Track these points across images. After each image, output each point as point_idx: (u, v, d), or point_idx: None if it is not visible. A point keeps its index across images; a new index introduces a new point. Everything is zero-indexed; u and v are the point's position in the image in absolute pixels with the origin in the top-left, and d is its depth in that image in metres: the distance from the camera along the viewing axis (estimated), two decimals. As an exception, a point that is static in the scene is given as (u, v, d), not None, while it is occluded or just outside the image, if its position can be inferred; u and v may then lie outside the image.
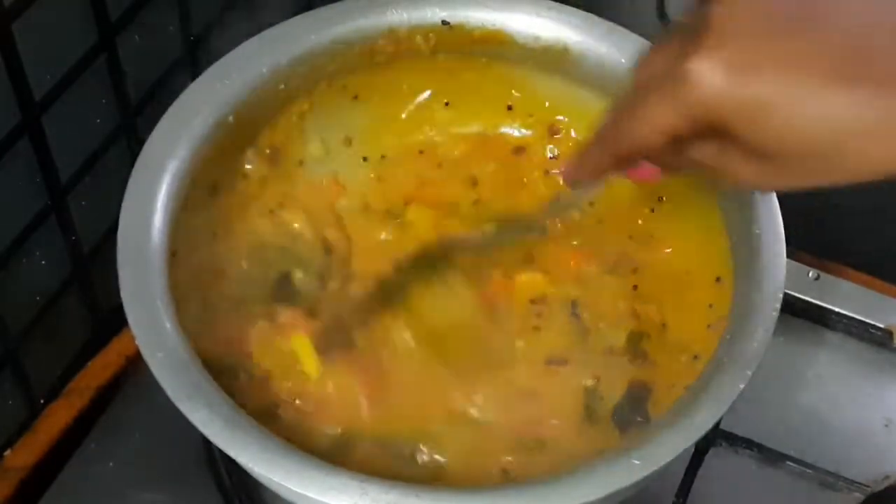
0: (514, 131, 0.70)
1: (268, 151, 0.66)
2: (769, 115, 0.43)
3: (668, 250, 0.66)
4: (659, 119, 0.46)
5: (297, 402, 0.59)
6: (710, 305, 0.61)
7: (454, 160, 0.70)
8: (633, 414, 0.60)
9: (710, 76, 0.43)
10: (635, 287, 0.65)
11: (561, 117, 0.69)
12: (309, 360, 0.60)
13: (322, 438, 0.58)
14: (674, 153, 0.49)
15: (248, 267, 0.63)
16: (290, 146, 0.67)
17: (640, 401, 0.60)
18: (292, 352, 0.61)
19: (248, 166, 0.65)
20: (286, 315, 0.62)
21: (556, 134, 0.70)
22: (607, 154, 0.51)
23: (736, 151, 0.46)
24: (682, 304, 0.63)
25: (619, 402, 0.61)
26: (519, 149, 0.70)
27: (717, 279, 0.62)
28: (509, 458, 0.59)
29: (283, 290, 0.63)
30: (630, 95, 0.49)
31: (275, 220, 0.65)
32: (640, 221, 0.67)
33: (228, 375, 0.59)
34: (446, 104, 0.70)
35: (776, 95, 0.43)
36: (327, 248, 0.66)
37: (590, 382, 0.61)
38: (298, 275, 0.64)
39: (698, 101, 0.44)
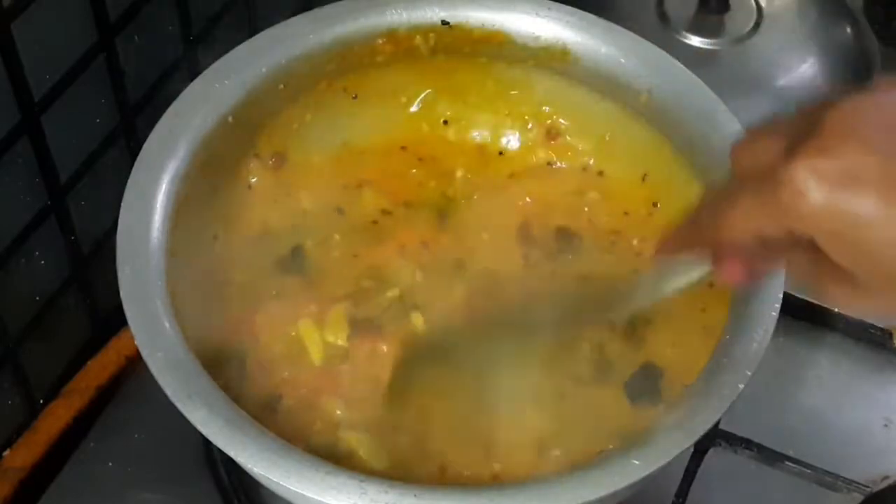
0: (511, 136, 0.70)
1: (271, 162, 0.66)
2: (866, 237, 0.41)
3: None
4: (752, 221, 0.44)
5: (302, 389, 0.59)
6: (703, 309, 0.61)
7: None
8: (646, 389, 0.60)
9: (813, 187, 0.40)
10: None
11: (560, 119, 0.69)
12: (314, 347, 0.60)
13: (323, 429, 0.58)
14: (764, 256, 0.47)
15: (254, 253, 0.63)
16: (290, 147, 0.67)
17: (654, 380, 0.61)
18: (300, 337, 0.61)
19: (252, 179, 0.65)
20: (294, 286, 0.62)
21: (553, 139, 0.70)
22: (697, 236, 0.49)
23: (828, 268, 0.43)
24: (677, 304, 0.63)
25: (632, 378, 0.61)
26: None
27: (710, 284, 0.61)
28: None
29: (294, 261, 0.63)
30: (729, 184, 0.47)
31: (281, 207, 0.65)
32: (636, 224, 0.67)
33: (233, 364, 0.59)
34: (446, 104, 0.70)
35: (877, 218, 0.40)
36: (339, 210, 0.66)
37: (585, 345, 0.62)
38: (309, 244, 0.64)
39: (797, 213, 0.41)
